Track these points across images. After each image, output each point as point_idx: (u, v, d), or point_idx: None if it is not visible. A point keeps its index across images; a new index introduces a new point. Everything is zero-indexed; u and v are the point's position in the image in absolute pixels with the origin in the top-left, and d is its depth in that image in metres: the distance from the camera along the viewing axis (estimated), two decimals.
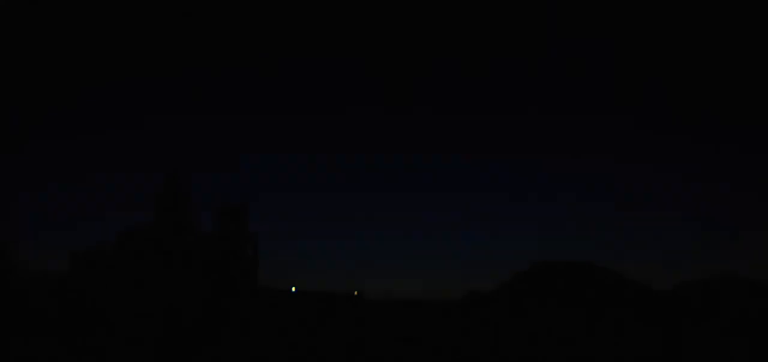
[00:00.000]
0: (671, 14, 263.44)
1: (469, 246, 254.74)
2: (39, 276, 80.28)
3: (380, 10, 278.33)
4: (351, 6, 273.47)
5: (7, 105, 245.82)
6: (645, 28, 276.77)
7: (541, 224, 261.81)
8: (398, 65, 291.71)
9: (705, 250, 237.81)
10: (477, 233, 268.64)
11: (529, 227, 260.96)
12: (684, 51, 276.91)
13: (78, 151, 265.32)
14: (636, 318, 73.38)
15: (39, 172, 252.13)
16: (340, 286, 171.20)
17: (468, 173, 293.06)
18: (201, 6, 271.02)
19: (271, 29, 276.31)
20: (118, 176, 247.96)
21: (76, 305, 73.85)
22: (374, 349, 61.80)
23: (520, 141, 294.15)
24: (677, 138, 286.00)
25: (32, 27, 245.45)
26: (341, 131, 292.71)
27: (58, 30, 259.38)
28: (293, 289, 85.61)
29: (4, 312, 69.14)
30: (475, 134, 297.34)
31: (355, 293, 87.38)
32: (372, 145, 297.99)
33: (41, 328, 65.82)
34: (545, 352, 60.39)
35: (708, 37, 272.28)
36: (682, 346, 61.52)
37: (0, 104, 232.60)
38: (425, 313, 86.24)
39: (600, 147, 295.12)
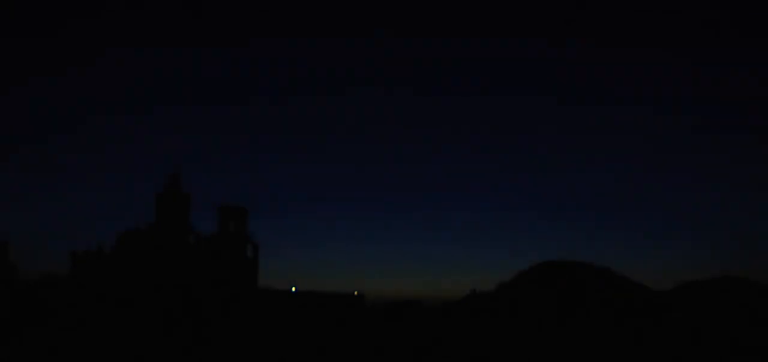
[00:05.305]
0: (678, 13, 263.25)
1: (470, 246, 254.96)
2: (39, 276, 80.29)
3: (383, 11, 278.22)
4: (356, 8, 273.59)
5: (7, 105, 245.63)
6: (648, 27, 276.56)
7: (542, 224, 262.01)
8: (399, 64, 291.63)
9: (705, 250, 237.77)
10: (478, 234, 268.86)
11: (530, 227, 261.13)
12: (685, 49, 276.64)
13: (78, 151, 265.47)
14: (636, 318, 73.24)
15: (39, 172, 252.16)
16: (340, 286, 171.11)
17: (469, 172, 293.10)
18: (201, 6, 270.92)
19: (270, 31, 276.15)
20: (118, 176, 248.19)
21: (76, 305, 73.79)
22: (374, 349, 61.77)
23: (520, 141, 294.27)
24: (678, 138, 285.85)
25: (32, 26, 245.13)
26: (341, 131, 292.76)
27: (61, 28, 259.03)
28: (293, 289, 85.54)
29: (5, 311, 69.12)
30: (476, 133, 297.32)
31: (355, 293, 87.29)
32: (372, 144, 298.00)
33: (41, 328, 65.74)
34: (545, 352, 60.36)
35: (710, 35, 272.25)
36: (682, 346, 61.46)
37: (1, 103, 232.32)
38: (425, 313, 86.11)
39: (601, 147, 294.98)
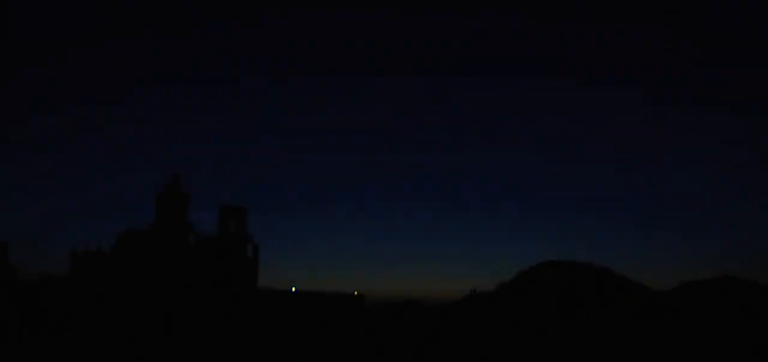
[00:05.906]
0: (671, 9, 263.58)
1: (470, 246, 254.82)
2: (39, 276, 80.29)
3: (383, 10, 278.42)
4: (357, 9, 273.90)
5: (7, 104, 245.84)
6: (648, 27, 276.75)
7: (542, 224, 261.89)
8: (399, 64, 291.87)
9: (705, 250, 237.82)
10: (478, 234, 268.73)
11: (530, 227, 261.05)
12: (685, 49, 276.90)
13: (78, 151, 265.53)
14: (636, 318, 73.34)
15: (39, 172, 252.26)
16: (340, 286, 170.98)
17: (469, 172, 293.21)
18: (201, 6, 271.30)
19: (270, 31, 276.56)
20: (118, 176, 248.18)
21: (76, 305, 73.80)
22: (374, 349, 61.80)
23: (521, 140, 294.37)
24: (679, 138, 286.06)
25: (32, 25, 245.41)
26: (341, 130, 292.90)
27: (63, 25, 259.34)
28: (293, 289, 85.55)
29: (4, 311, 69.14)
30: (476, 132, 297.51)
31: (355, 293, 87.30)
32: (372, 144, 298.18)
33: (41, 328, 65.75)
34: (545, 352, 60.40)
35: (708, 33, 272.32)
36: (682, 346, 61.50)
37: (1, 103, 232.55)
38: (425, 313, 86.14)
39: (601, 147, 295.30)
